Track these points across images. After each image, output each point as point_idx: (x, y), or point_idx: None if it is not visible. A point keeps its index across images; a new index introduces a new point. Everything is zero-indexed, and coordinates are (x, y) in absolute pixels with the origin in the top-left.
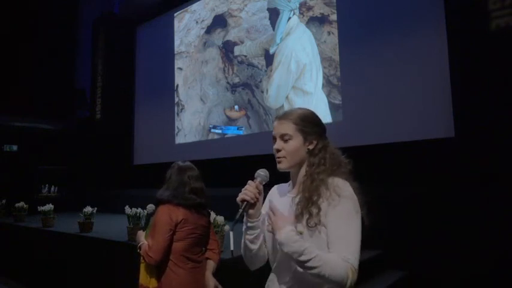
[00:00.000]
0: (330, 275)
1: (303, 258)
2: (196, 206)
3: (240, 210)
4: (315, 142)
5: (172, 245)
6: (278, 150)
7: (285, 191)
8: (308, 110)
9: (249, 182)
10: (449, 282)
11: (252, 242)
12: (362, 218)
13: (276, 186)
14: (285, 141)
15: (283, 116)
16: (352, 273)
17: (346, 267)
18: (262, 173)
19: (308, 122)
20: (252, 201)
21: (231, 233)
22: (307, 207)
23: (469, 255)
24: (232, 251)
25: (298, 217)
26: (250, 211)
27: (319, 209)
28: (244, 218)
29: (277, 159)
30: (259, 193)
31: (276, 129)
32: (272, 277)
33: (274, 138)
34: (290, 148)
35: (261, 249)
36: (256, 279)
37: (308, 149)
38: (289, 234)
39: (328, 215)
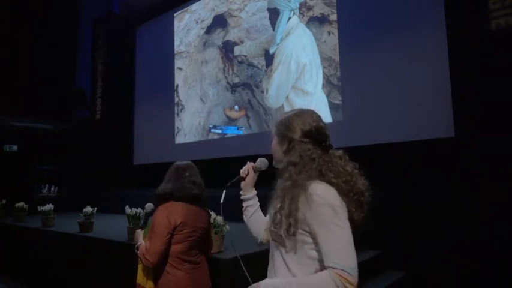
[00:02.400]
0: None
1: None
2: (195, 197)
3: (234, 179)
4: (286, 144)
5: (170, 247)
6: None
7: None
8: (290, 113)
9: (248, 162)
10: (449, 282)
11: (243, 211)
12: (352, 220)
13: None
14: (271, 142)
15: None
16: (344, 279)
17: (332, 277)
18: (259, 161)
19: (282, 125)
20: (242, 176)
21: (224, 191)
22: (286, 218)
23: (468, 255)
24: (221, 203)
25: (277, 225)
26: (242, 184)
27: (296, 221)
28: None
29: None
30: (247, 174)
31: None
32: (267, 271)
33: None
34: (272, 148)
35: (249, 222)
36: (257, 278)
37: (283, 150)
38: (268, 285)
39: (310, 228)
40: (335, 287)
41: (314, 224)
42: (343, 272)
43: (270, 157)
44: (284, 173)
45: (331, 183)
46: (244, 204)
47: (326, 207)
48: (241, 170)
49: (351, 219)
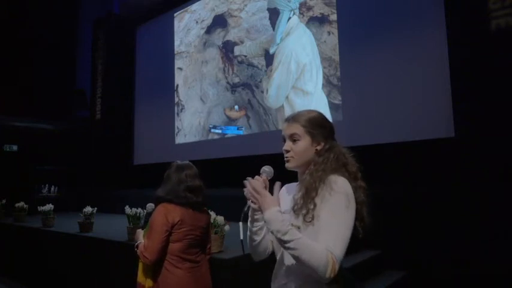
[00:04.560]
0: (309, 260)
1: (285, 237)
2: (193, 205)
3: (249, 202)
4: (322, 143)
5: (168, 245)
6: (287, 151)
7: (293, 190)
8: (316, 112)
9: (256, 177)
10: (449, 282)
11: (255, 233)
12: (363, 219)
13: (286, 185)
14: (294, 142)
15: (292, 119)
16: (333, 264)
17: (327, 255)
18: (267, 169)
19: (315, 124)
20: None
21: (240, 224)
22: (305, 203)
23: (468, 255)
24: (241, 240)
25: (296, 212)
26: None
27: (315, 205)
28: (250, 210)
29: (286, 159)
30: (265, 188)
31: (285, 131)
32: (277, 267)
33: (284, 139)
34: (298, 149)
35: (263, 240)
36: (257, 278)
37: (316, 149)
38: (275, 214)
39: (320, 207)
40: (324, 266)
41: (325, 206)
42: (336, 260)
43: (270, 157)
44: (318, 168)
45: (350, 179)
46: (259, 224)
47: (342, 196)
48: (255, 191)
49: (362, 218)
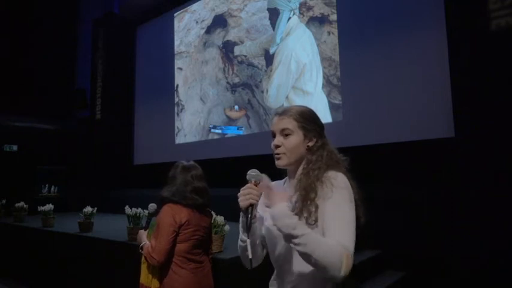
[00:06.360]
0: (322, 258)
1: (294, 232)
2: (198, 206)
3: (249, 216)
4: (314, 139)
5: (175, 246)
6: (277, 146)
7: (281, 189)
8: (307, 107)
9: (249, 185)
10: (449, 282)
11: (254, 241)
12: (358, 215)
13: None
14: (285, 136)
15: (284, 112)
16: (347, 259)
17: (341, 252)
18: (253, 173)
19: (308, 119)
20: (257, 203)
21: (248, 241)
22: (306, 206)
23: (468, 256)
24: (251, 259)
25: (296, 215)
26: (255, 214)
27: (317, 207)
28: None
29: (276, 156)
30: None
31: (276, 125)
32: (275, 275)
33: (274, 134)
34: (290, 144)
35: (259, 248)
36: (256, 278)
37: (308, 146)
38: (283, 209)
39: (323, 206)
40: (340, 262)
41: (329, 203)
42: (350, 256)
43: (269, 157)
44: (313, 167)
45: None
46: (253, 233)
47: (345, 191)
48: (253, 200)
49: (358, 216)
